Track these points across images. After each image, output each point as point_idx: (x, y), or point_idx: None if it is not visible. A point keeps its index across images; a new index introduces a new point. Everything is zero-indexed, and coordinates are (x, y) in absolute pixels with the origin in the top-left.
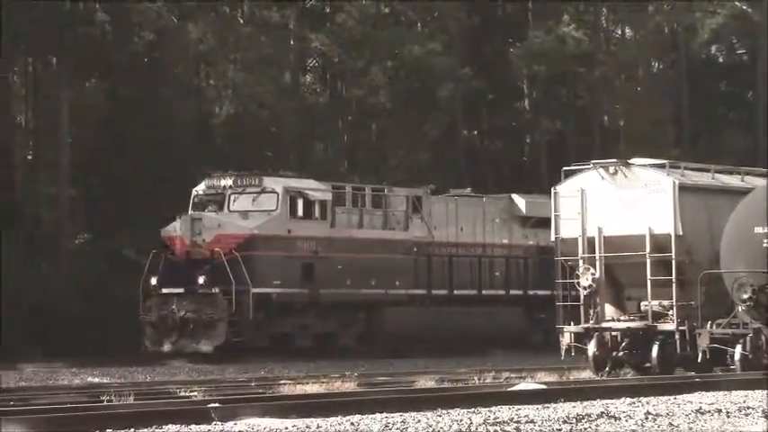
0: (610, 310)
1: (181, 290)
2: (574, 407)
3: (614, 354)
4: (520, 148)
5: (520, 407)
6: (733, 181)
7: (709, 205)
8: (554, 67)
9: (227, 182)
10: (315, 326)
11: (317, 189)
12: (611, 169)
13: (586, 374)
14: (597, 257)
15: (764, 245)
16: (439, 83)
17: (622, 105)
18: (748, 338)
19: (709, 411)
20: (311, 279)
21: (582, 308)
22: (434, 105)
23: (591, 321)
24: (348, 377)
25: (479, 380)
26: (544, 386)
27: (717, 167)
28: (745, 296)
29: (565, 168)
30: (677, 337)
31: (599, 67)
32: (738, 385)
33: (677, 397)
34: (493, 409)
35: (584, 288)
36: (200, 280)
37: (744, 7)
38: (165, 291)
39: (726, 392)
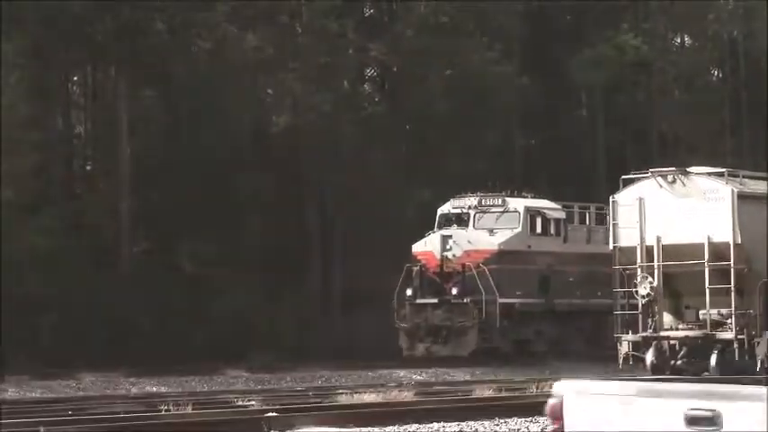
0: (668, 318)
1: (434, 300)
2: None
3: (672, 362)
4: (578, 157)
5: None
6: None
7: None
8: (612, 76)
9: (472, 201)
10: (549, 332)
11: (552, 208)
12: (670, 177)
13: None
14: (655, 266)
15: None
16: (496, 92)
17: (681, 114)
18: None
19: None
20: (547, 290)
21: (640, 316)
22: (492, 114)
23: (649, 330)
24: (405, 386)
25: (537, 389)
26: None
27: None
28: None
29: (623, 177)
30: (736, 345)
31: (658, 75)
32: None
33: None
34: None
35: (643, 297)
36: (454, 291)
37: None
38: (419, 301)
39: None
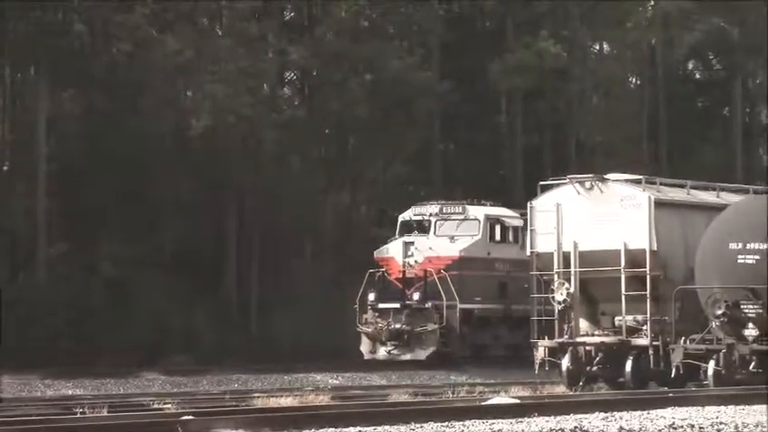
0: (584, 324)
1: (396, 305)
2: (547, 421)
3: (588, 368)
4: (497, 162)
5: (493, 421)
6: (708, 197)
7: (684, 221)
8: (531, 82)
9: (433, 209)
10: (507, 337)
11: (510, 216)
12: (587, 184)
13: (560, 389)
14: (572, 272)
15: (739, 261)
16: (416, 97)
17: (599, 121)
18: (722, 354)
19: (681, 427)
20: (505, 296)
21: (556, 322)
22: (412, 119)
23: (565, 336)
24: (323, 390)
25: (453, 394)
26: (518, 400)
27: (692, 183)
28: (719, 312)
29: (541, 183)
30: (651, 352)
31: (576, 82)
32: (711, 401)
33: (650, 412)
34: (466, 423)
35: (559, 303)
36: (415, 296)
37: (721, 23)
38: (381, 305)
39: (699, 408)
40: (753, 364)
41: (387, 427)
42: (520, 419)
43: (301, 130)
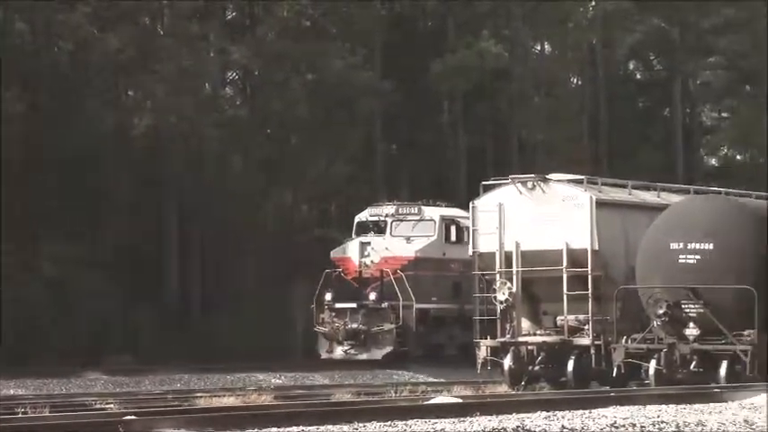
0: (526, 324)
1: (353, 304)
2: (490, 420)
3: (530, 368)
4: (439, 161)
5: (436, 420)
6: (649, 197)
7: (625, 221)
8: (473, 82)
9: (389, 210)
10: (461, 337)
11: (465, 217)
12: (529, 184)
13: (502, 388)
14: (514, 272)
15: (680, 260)
16: (358, 97)
17: (540, 120)
18: (663, 353)
19: (623, 426)
20: (459, 296)
21: (498, 322)
22: (354, 119)
23: (507, 335)
24: (265, 390)
25: (396, 393)
26: (460, 400)
27: (633, 183)
28: (660, 311)
29: (483, 182)
30: (593, 351)
31: (518, 82)
32: (652, 400)
33: (592, 411)
34: (409, 422)
35: (501, 302)
36: (372, 296)
37: (662, 24)
38: (338, 305)
39: (640, 407)
40: (693, 363)
41: (330, 427)
42: (462, 419)
43: (243, 130)
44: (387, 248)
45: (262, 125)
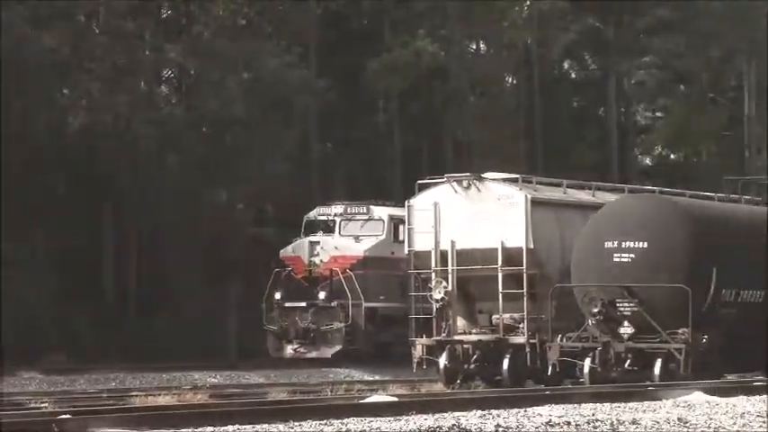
0: (462, 323)
1: (303, 303)
2: (425, 419)
3: (465, 366)
4: (375, 160)
5: (372, 419)
6: (584, 196)
7: (560, 219)
8: (409, 81)
9: (338, 209)
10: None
11: None
12: (465, 183)
13: (438, 387)
14: (450, 270)
15: (615, 259)
16: (294, 95)
17: (476, 119)
18: (597, 352)
19: (558, 424)
20: (407, 294)
21: (434, 321)
22: (289, 118)
23: (443, 334)
24: (200, 389)
25: (332, 392)
26: (396, 398)
27: (569, 182)
28: (595, 310)
29: (419, 182)
30: (528, 350)
31: (453, 81)
32: (587, 398)
33: (527, 410)
34: (345, 421)
35: (437, 301)
36: (321, 295)
37: (597, 24)
38: (288, 304)
39: (575, 405)
40: (628, 361)
41: (265, 426)
42: (398, 417)
43: (179, 129)
44: (336, 248)
45: (197, 124)
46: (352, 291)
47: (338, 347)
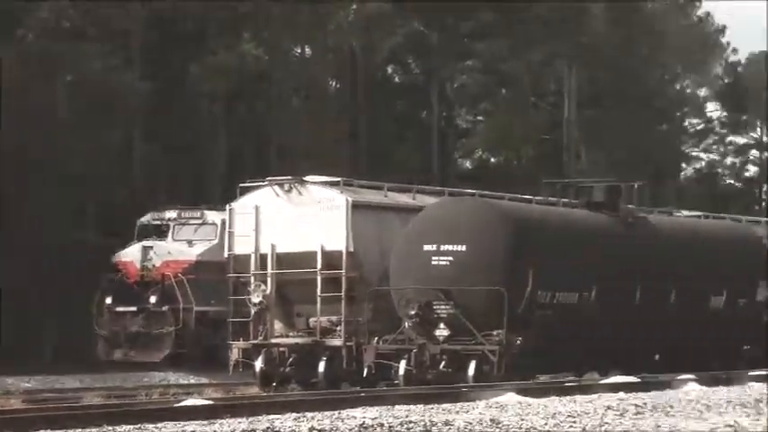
0: (279, 326)
1: (134, 308)
2: (240, 423)
3: (282, 369)
4: (199, 163)
5: (186, 423)
6: (405, 199)
7: (381, 222)
8: (233, 85)
9: (172, 214)
10: None
11: None
12: (286, 186)
13: (254, 390)
14: (268, 274)
15: (433, 262)
16: (118, 97)
17: (300, 123)
18: (413, 354)
19: (372, 426)
20: None
21: (252, 324)
22: (113, 120)
23: (260, 337)
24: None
25: (147, 396)
26: (211, 402)
27: (390, 185)
28: (412, 312)
29: (241, 185)
30: (344, 352)
31: (277, 84)
32: (402, 400)
33: (342, 412)
34: (159, 425)
35: (255, 305)
36: (152, 299)
37: (421, 28)
38: (119, 309)
39: (389, 407)
40: (443, 363)
41: (78, 431)
42: (213, 421)
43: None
44: (169, 252)
45: (21, 125)
46: (184, 295)
47: (167, 351)
